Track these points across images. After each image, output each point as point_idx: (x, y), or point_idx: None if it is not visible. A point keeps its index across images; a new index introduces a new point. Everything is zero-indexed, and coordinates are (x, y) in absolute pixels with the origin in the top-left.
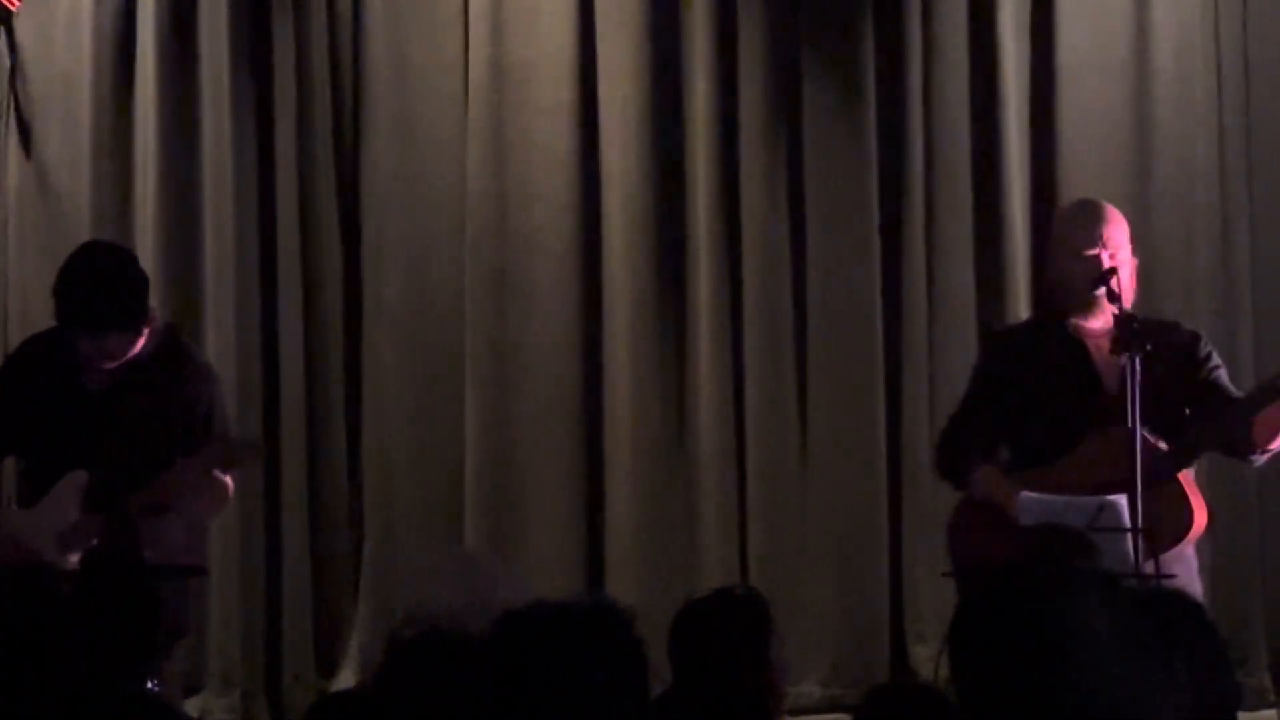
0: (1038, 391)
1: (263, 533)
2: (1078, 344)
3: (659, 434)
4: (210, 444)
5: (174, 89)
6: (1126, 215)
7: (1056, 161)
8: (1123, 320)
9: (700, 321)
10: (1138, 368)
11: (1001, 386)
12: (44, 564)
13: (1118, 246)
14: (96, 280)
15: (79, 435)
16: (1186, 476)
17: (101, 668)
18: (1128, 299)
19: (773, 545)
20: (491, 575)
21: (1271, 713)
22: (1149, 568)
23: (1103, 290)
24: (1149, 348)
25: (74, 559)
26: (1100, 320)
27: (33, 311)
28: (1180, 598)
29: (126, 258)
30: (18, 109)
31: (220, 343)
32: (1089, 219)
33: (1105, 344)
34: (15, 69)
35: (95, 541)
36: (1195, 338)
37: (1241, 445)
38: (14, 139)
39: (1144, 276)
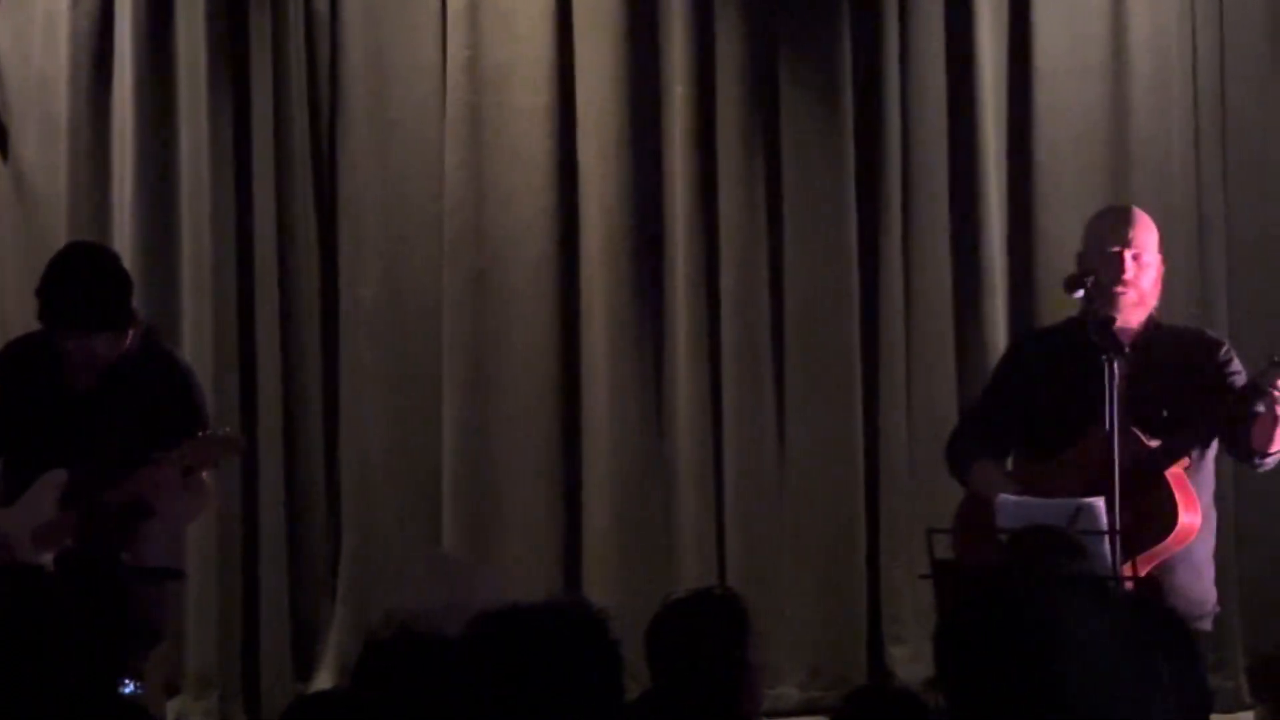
0: (1051, 392)
1: (240, 535)
2: (1094, 346)
3: (637, 436)
4: (189, 441)
5: (151, 91)
6: None
7: (1033, 164)
8: (1100, 324)
9: (678, 324)
10: (1115, 371)
11: (1017, 385)
12: (20, 563)
13: (1142, 248)
14: (83, 280)
15: (61, 435)
16: (1178, 478)
17: (73, 668)
18: (1151, 301)
19: (750, 547)
20: (468, 577)
21: (1248, 715)
22: (1126, 570)
23: (1119, 289)
24: (1126, 350)
25: (48, 557)
26: (1125, 319)
27: (10, 313)
28: (1152, 601)
29: (111, 258)
30: None
31: (197, 344)
32: (1116, 220)
33: (1128, 344)
34: None
35: (70, 540)
36: (1217, 344)
37: (1240, 448)
38: None
39: None
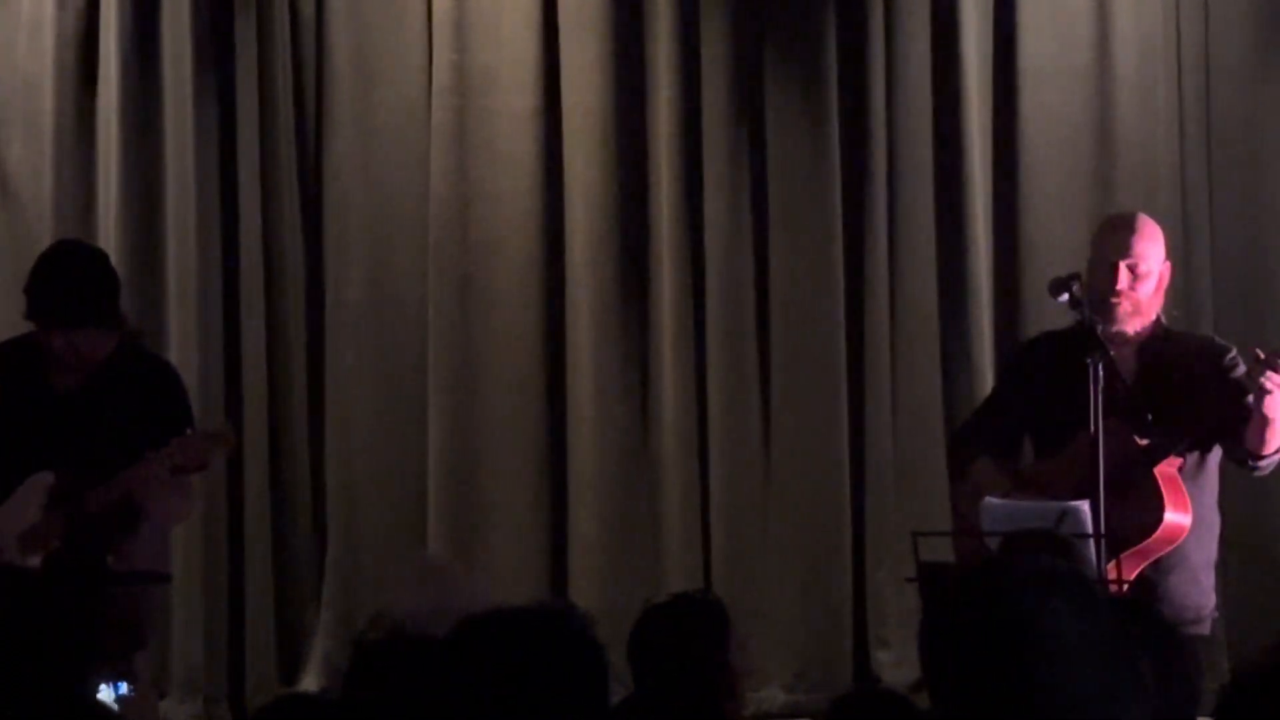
0: (1056, 394)
1: (225, 539)
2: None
3: (622, 439)
4: (177, 440)
5: (137, 94)
6: (1087, 220)
7: (1019, 166)
8: (1085, 328)
9: (663, 326)
10: (1100, 374)
11: (1020, 387)
12: (4, 565)
13: (1141, 258)
14: (70, 276)
15: (46, 437)
16: (1168, 477)
17: (55, 670)
18: (1151, 310)
19: (736, 550)
20: (455, 580)
21: None
22: (1120, 574)
23: (1114, 299)
24: (1111, 354)
25: (36, 561)
26: (1121, 328)
27: (1, 314)
28: (1138, 602)
29: (99, 256)
30: None
31: (182, 347)
32: (1116, 230)
33: (1133, 348)
34: None
35: (57, 543)
36: (1223, 350)
37: (1236, 450)
38: None
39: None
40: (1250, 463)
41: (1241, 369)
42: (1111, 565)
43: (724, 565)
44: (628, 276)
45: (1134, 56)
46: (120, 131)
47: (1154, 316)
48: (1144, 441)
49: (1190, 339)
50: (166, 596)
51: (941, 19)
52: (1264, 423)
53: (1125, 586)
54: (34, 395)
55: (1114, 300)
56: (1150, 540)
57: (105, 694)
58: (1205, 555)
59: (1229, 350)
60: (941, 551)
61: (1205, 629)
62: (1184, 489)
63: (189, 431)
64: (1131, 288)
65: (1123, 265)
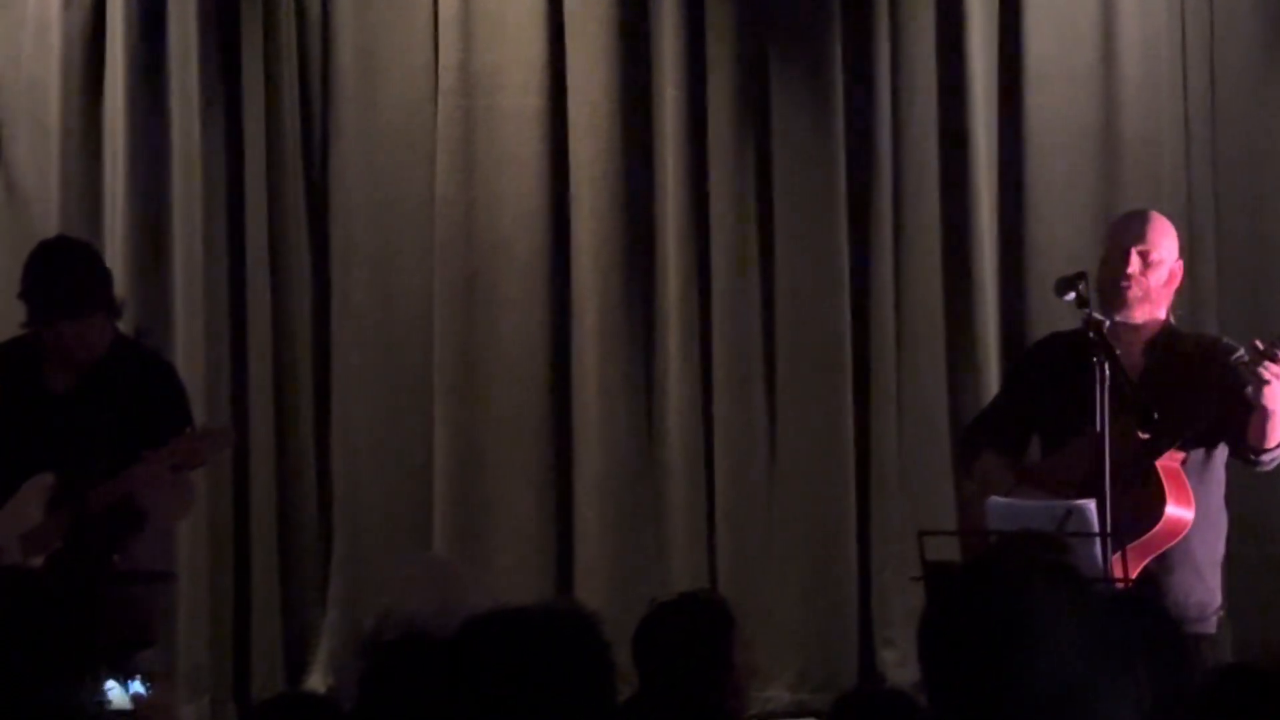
0: (1063, 394)
1: (231, 539)
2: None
3: (627, 439)
4: (176, 438)
5: (143, 93)
6: (1093, 220)
7: (1024, 166)
8: (1090, 326)
9: (669, 326)
10: (1106, 373)
11: (1028, 387)
12: (10, 566)
13: (1153, 246)
14: (59, 268)
15: (44, 438)
16: (1171, 471)
17: (59, 669)
18: (1161, 302)
19: (741, 550)
20: (461, 580)
21: None
22: (1124, 570)
23: (1124, 283)
24: (1118, 353)
25: (38, 562)
26: (1129, 315)
27: (2, 314)
28: (1144, 599)
29: (86, 247)
30: None
31: (189, 346)
32: (1129, 220)
33: (1140, 345)
34: None
35: (59, 543)
36: (1230, 349)
37: (1239, 445)
38: None
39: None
40: (1253, 458)
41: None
42: (1115, 560)
43: (729, 565)
44: (633, 276)
45: (1139, 56)
46: (126, 132)
47: (1163, 313)
48: (1145, 435)
49: (1199, 338)
50: (172, 596)
51: (947, 19)
52: (1265, 415)
53: (1128, 582)
54: (31, 396)
55: (1124, 284)
56: (1152, 534)
57: (118, 693)
58: (1210, 553)
59: (1236, 349)
60: (947, 551)
61: (1210, 628)
62: (1187, 483)
63: (187, 430)
64: (1142, 274)
65: (1134, 251)
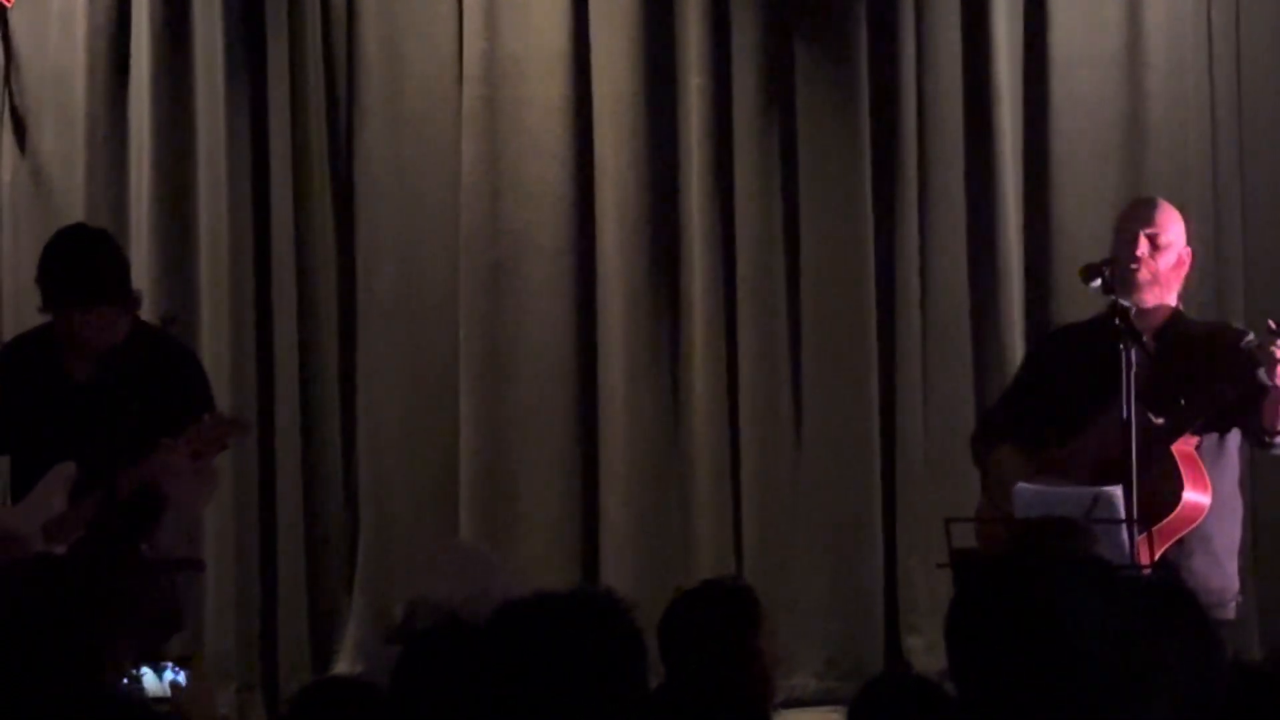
0: (1077, 383)
1: (258, 527)
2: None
3: (653, 427)
4: (195, 425)
5: (168, 83)
6: (1118, 208)
7: (1049, 154)
8: (1117, 313)
9: (694, 314)
10: (1133, 359)
11: (1043, 377)
12: (41, 555)
13: (1161, 230)
14: (83, 256)
15: (65, 427)
16: (1186, 455)
17: (77, 658)
18: (1171, 286)
19: (767, 537)
20: (490, 565)
21: None
22: (1145, 555)
23: (1133, 265)
24: (1144, 339)
25: (61, 550)
26: (1140, 298)
27: (27, 306)
28: (1172, 586)
29: (103, 235)
30: (12, 104)
31: (215, 336)
32: (1137, 205)
33: (1150, 330)
34: (10, 64)
35: (82, 532)
36: (1240, 334)
37: (1253, 428)
38: (8, 134)
39: None
40: (1267, 440)
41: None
42: (1145, 550)
43: (755, 552)
44: (658, 264)
45: (1165, 43)
46: (152, 121)
47: (1173, 299)
48: (1159, 420)
49: (1208, 324)
50: (200, 584)
51: (972, 6)
52: (1278, 397)
53: (1149, 569)
54: (51, 385)
55: (1133, 266)
56: (1170, 519)
57: (152, 680)
58: (1228, 538)
59: (1246, 334)
60: (973, 539)
61: (1229, 613)
62: (1203, 468)
63: (206, 417)
64: (1151, 256)
65: (1143, 234)
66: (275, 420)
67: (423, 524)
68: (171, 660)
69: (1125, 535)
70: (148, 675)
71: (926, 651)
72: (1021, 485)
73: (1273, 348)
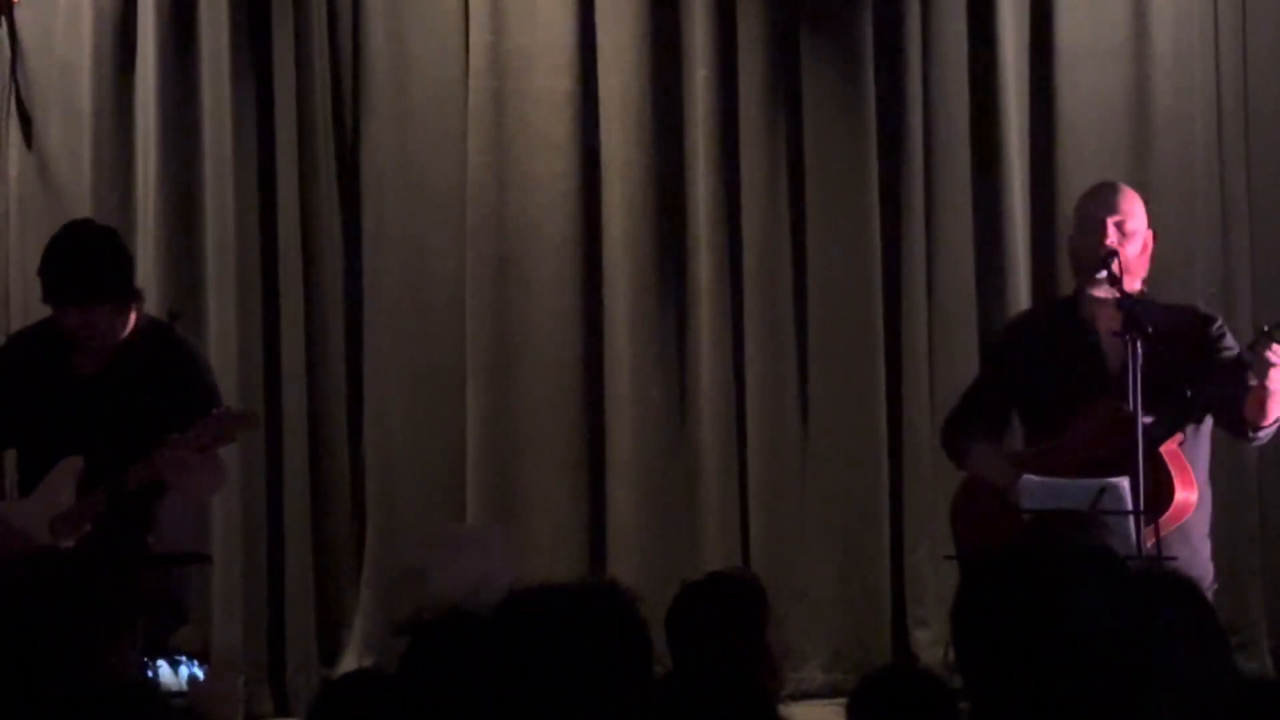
0: (1044, 373)
1: (265, 521)
2: (1084, 322)
3: (660, 419)
4: (203, 420)
5: (174, 78)
6: None
7: (1056, 146)
8: (1124, 304)
9: (701, 307)
10: (1139, 351)
11: (1008, 367)
12: (48, 549)
13: (1127, 215)
14: (82, 255)
15: (71, 421)
16: (1174, 455)
17: (84, 649)
18: (1140, 271)
19: (774, 530)
20: (495, 550)
21: None
22: (1150, 548)
23: (1103, 254)
24: (1150, 330)
25: (68, 544)
26: (1111, 292)
27: (34, 300)
28: (1178, 578)
29: (109, 233)
30: (18, 98)
31: (221, 331)
32: (1101, 191)
33: (1116, 320)
34: (16, 58)
35: (89, 527)
36: (1208, 320)
37: (1236, 423)
38: (15, 128)
39: None
40: (1250, 434)
41: (1231, 339)
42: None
43: (762, 546)
44: (665, 258)
45: (1171, 35)
46: (158, 115)
47: (1138, 284)
48: (1148, 420)
49: (1174, 310)
50: (206, 578)
51: None
52: (1265, 394)
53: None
54: (56, 379)
55: (1104, 256)
56: (1164, 518)
57: (167, 673)
58: (1202, 526)
59: (1214, 319)
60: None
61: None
62: (1187, 464)
63: (214, 411)
64: (1120, 245)
65: (1110, 222)
66: (283, 413)
67: (429, 518)
68: (188, 654)
69: (1131, 527)
70: (164, 668)
71: (934, 644)
72: (1027, 477)
73: (1267, 353)
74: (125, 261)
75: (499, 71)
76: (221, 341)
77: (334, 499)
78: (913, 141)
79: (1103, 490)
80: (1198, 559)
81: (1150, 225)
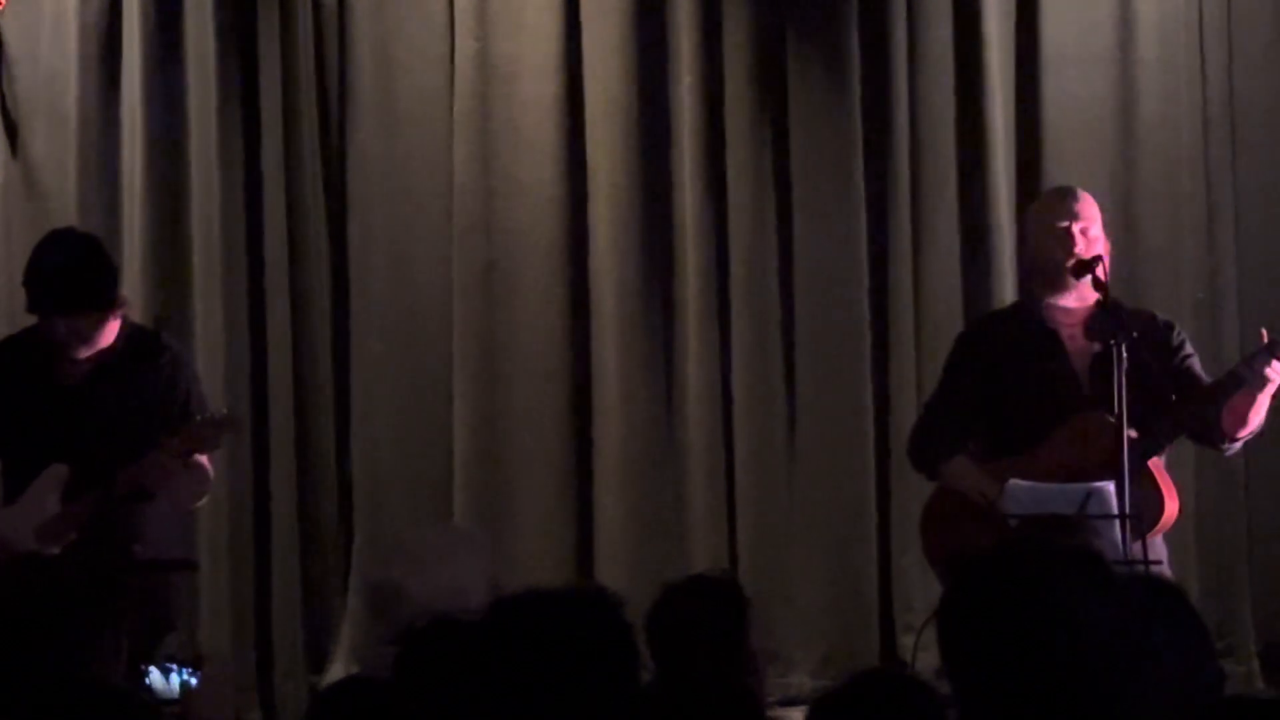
0: (1009, 381)
1: (252, 528)
2: (1049, 331)
3: (648, 426)
4: (187, 426)
5: (160, 86)
6: (1111, 205)
7: (1041, 151)
8: (1108, 309)
9: (688, 313)
10: (1123, 356)
11: (974, 378)
12: (32, 555)
13: (1090, 221)
14: (65, 261)
15: (56, 429)
16: (1157, 465)
17: (71, 656)
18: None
19: (762, 536)
20: (479, 552)
21: None
22: (1137, 553)
23: (1070, 262)
24: (1135, 335)
25: (52, 551)
26: (1075, 300)
27: (20, 308)
28: (1163, 582)
29: (93, 241)
30: (4, 107)
31: (208, 338)
32: (1061, 197)
33: (1079, 327)
34: (1, 67)
35: (74, 535)
36: (1169, 326)
37: (1212, 434)
38: (1, 138)
39: (1129, 265)
40: (1225, 444)
41: (1189, 346)
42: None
43: (750, 551)
44: (652, 263)
45: (1156, 39)
46: (144, 124)
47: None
48: (1134, 434)
49: (1137, 315)
50: (193, 585)
51: (963, 3)
52: (1250, 407)
53: (1147, 565)
54: (41, 387)
55: (1070, 264)
56: (1157, 530)
57: (158, 680)
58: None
59: (1174, 325)
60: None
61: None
62: (1169, 477)
63: (198, 417)
64: (1084, 250)
65: (1075, 228)
66: (269, 421)
67: (417, 523)
68: (179, 662)
69: (1117, 532)
70: (155, 676)
71: (922, 650)
72: (1014, 482)
73: (1266, 370)
74: (110, 269)
75: (485, 77)
76: (208, 349)
77: (321, 505)
78: (899, 146)
79: (1089, 494)
80: (1162, 563)
81: (1134, 230)
